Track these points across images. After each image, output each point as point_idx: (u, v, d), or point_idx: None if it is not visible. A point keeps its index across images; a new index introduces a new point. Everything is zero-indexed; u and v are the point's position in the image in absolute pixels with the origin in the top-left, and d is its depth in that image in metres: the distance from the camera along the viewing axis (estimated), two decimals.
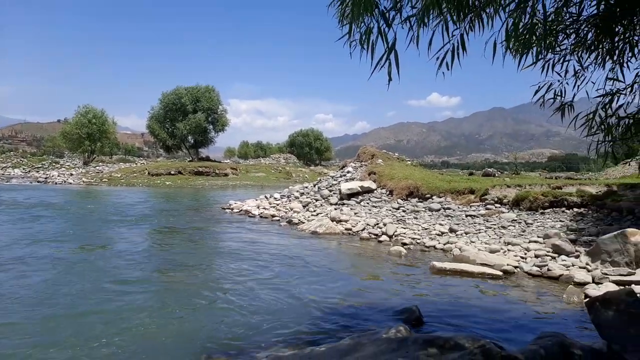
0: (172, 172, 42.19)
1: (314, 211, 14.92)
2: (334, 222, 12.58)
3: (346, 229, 12.13)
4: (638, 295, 3.35)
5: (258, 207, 16.63)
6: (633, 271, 6.87)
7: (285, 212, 15.30)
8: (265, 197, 18.27)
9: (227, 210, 17.28)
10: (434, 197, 14.02)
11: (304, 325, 5.04)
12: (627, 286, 6.35)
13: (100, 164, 51.51)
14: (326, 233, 11.80)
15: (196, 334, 4.74)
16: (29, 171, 43.75)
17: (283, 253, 9.26)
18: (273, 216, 15.02)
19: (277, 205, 16.64)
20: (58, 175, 38.48)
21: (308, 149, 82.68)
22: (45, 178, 36.96)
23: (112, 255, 8.73)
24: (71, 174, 39.93)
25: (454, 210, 12.77)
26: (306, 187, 18.04)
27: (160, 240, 10.95)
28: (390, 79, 2.80)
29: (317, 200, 16.17)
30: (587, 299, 3.50)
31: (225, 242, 10.83)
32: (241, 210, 16.79)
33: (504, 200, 12.42)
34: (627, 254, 7.30)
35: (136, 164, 54.62)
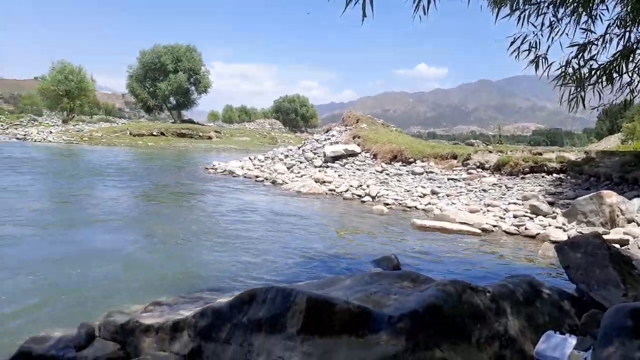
0: (155, 133, 41.41)
1: (298, 173, 14.94)
2: (318, 183, 12.64)
3: (330, 190, 12.21)
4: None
5: (242, 168, 16.56)
6: (608, 231, 7.10)
7: (270, 174, 15.28)
8: (249, 158, 18.17)
9: (210, 170, 17.18)
10: (417, 162, 14.13)
11: (284, 270, 5.14)
12: None
13: (80, 123, 50.13)
14: (310, 193, 11.86)
15: (167, 277, 4.78)
16: (7, 128, 42.53)
17: (268, 208, 9.32)
18: (257, 177, 15.01)
19: (261, 166, 16.59)
20: (37, 133, 37.48)
21: (294, 115, 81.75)
22: (24, 135, 36.00)
23: (94, 205, 8.68)
24: (50, 132, 38.91)
25: (436, 174, 12.92)
26: (290, 150, 17.99)
27: (145, 195, 10.89)
28: (364, 15, 2.75)
29: (301, 162, 16.17)
30: (557, 244, 3.62)
31: (209, 197, 10.83)
32: (225, 170, 16.70)
33: (486, 165, 12.59)
34: (603, 214, 7.53)
35: (117, 124, 53.38)
